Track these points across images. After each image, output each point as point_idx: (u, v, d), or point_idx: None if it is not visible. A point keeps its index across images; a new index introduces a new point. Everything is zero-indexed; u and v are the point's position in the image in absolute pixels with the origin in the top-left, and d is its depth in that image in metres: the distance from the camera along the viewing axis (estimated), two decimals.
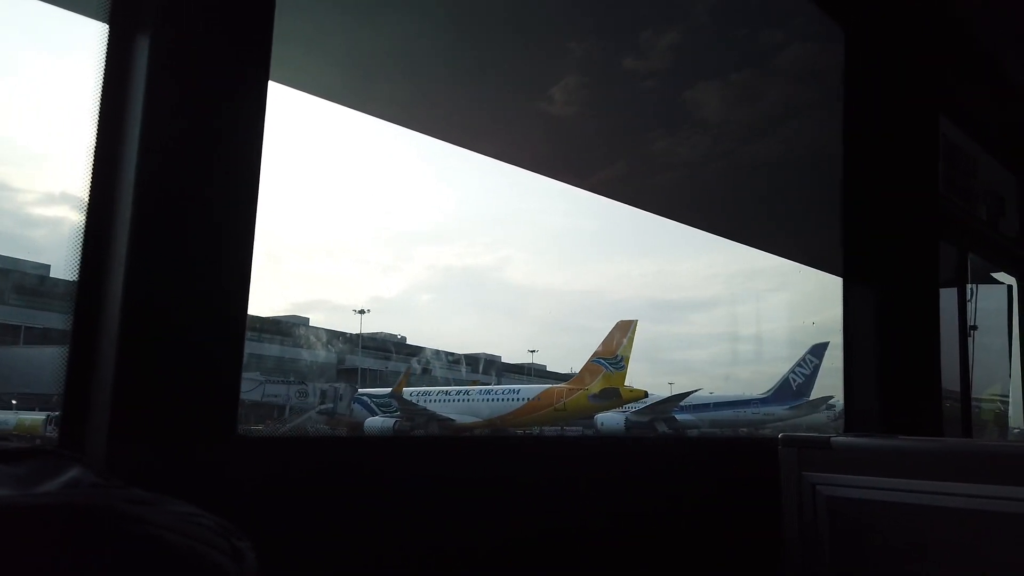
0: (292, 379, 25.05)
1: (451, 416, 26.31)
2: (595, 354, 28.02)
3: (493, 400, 28.04)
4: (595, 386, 27.22)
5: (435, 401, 27.33)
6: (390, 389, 27.42)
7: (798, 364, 29.66)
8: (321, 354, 28.45)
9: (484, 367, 32.72)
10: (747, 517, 2.24)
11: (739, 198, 4.62)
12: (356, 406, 25.58)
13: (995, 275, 5.00)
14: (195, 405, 1.25)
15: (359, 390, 26.66)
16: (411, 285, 50.88)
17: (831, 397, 26.81)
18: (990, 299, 4.71)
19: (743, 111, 4.26)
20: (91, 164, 1.24)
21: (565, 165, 4.42)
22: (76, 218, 1.24)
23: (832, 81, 3.24)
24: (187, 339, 1.24)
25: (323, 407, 24.44)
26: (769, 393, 30.05)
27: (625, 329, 27.86)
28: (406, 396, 26.22)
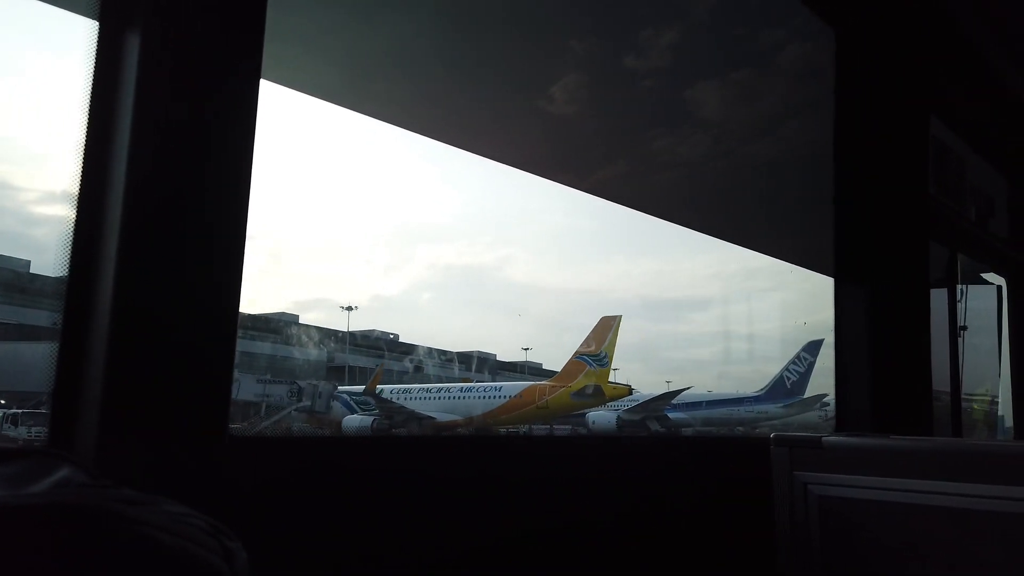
0: (268, 377, 24.81)
1: (431, 414, 25.98)
2: (578, 351, 27.71)
3: (474, 397, 27.66)
4: (577, 383, 26.89)
5: (416, 398, 27.01)
6: (395, 386, 27.28)
7: (792, 361, 29.54)
8: (312, 352, 28.30)
9: (478, 365, 32.55)
10: (739, 516, 2.24)
11: (736, 198, 4.63)
12: (336, 404, 25.22)
13: (984, 275, 5.03)
14: (186, 404, 1.24)
15: (338, 388, 26.24)
16: (412, 284, 51.02)
17: (825, 395, 26.52)
18: (979, 299, 4.74)
19: (740, 111, 4.27)
20: (81, 162, 1.23)
21: (564, 165, 4.42)
22: (67, 215, 1.23)
23: (824, 81, 3.26)
24: (178, 338, 1.23)
25: (300, 405, 24.13)
26: (763, 391, 29.97)
27: (609, 325, 27.53)
28: (386, 393, 25.93)
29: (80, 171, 1.23)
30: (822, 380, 28.23)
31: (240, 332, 1.41)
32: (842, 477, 2.10)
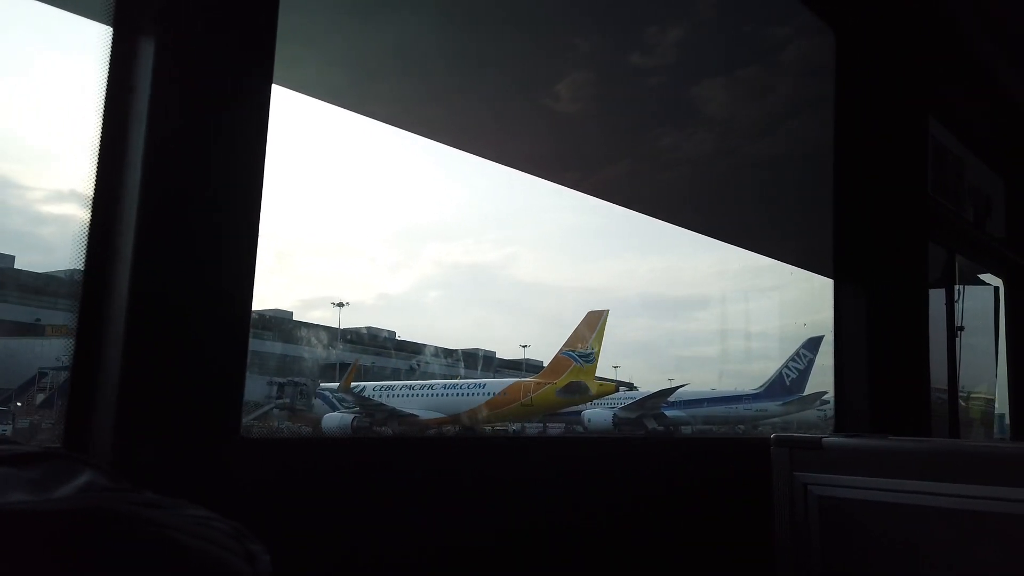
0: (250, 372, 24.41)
1: (414, 411, 25.31)
2: (565, 346, 26.84)
3: (458, 395, 26.85)
4: (563, 380, 26.05)
5: (398, 395, 26.38)
6: (378, 383, 26.78)
7: (792, 359, 29.05)
8: (303, 349, 28.01)
9: (477, 363, 32.22)
10: (739, 516, 2.26)
11: (739, 198, 4.63)
12: (319, 401, 24.69)
13: (981, 276, 5.06)
14: (199, 405, 1.25)
15: (321, 385, 25.60)
16: (418, 282, 50.94)
17: (825, 393, 25.90)
18: (977, 300, 4.76)
19: (744, 109, 4.27)
20: (96, 164, 1.24)
21: (568, 164, 4.41)
22: (82, 216, 1.24)
23: (823, 81, 3.27)
24: (192, 339, 1.25)
25: (279, 402, 23.45)
26: (762, 389, 29.52)
27: (595, 320, 26.66)
28: (367, 391, 25.39)
29: (95, 172, 1.24)
30: (823, 378, 28.03)
31: None
32: (842, 478, 2.12)
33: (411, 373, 30.48)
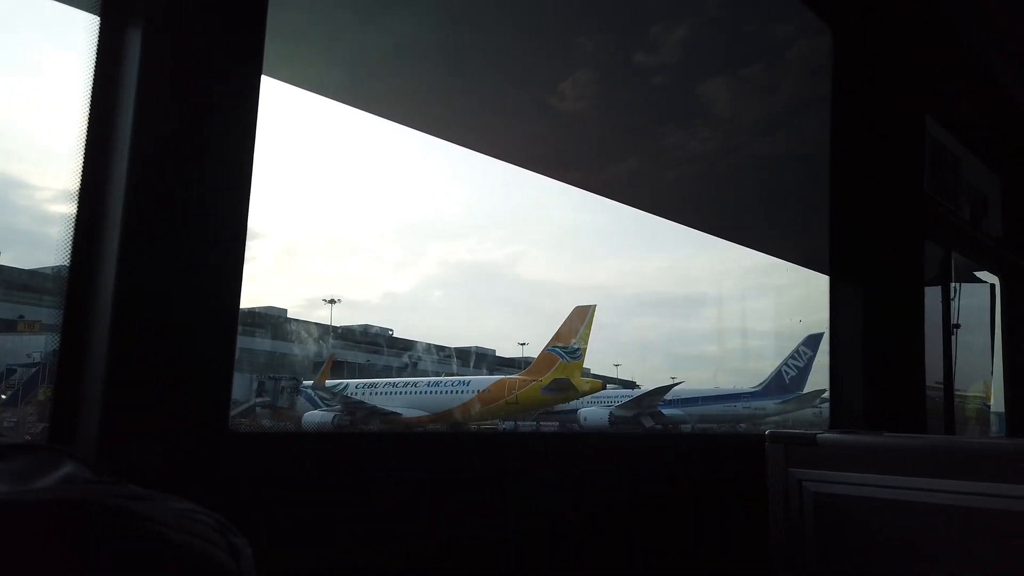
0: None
1: (396, 410, 24.95)
2: (551, 343, 26.31)
3: (441, 393, 26.41)
4: (548, 377, 25.50)
5: (381, 393, 26.01)
6: (360, 381, 26.44)
7: (791, 356, 28.90)
8: (295, 347, 27.91)
9: (476, 361, 32.11)
10: (734, 512, 2.26)
11: (741, 196, 4.63)
12: (301, 399, 24.48)
13: (978, 274, 5.07)
14: (187, 400, 1.24)
15: (304, 382, 25.32)
16: (423, 281, 50.94)
17: (824, 391, 25.71)
18: (973, 297, 4.77)
19: (748, 107, 4.27)
20: (82, 158, 1.23)
21: (573, 163, 4.40)
22: (66, 211, 1.23)
23: (824, 80, 3.27)
24: (179, 334, 1.24)
25: (260, 400, 23.31)
26: (760, 387, 29.37)
27: (582, 316, 26.13)
28: (350, 388, 25.11)
29: (81, 167, 1.23)
30: (823, 376, 27.75)
31: None
32: (837, 474, 2.11)
33: (404, 370, 30.39)
